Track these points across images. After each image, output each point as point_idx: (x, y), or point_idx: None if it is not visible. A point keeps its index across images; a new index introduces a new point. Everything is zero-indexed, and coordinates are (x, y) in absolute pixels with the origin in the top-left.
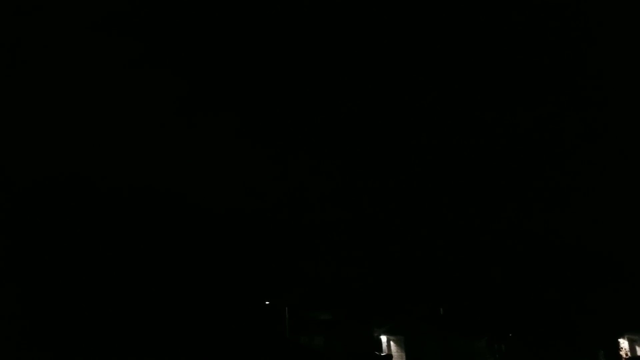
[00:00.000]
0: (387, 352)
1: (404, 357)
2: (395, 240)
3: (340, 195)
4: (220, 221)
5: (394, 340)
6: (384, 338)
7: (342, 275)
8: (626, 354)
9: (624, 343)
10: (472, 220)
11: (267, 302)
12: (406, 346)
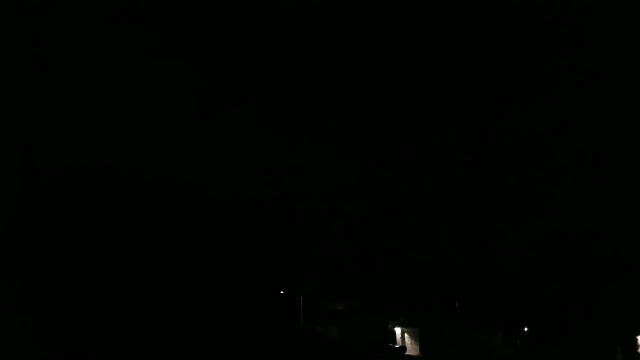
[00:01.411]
0: (401, 344)
1: (418, 349)
2: (412, 231)
3: (357, 186)
4: (237, 212)
5: (408, 333)
6: (398, 330)
7: (358, 266)
8: None
9: None
10: (490, 213)
11: (281, 292)
12: (420, 338)
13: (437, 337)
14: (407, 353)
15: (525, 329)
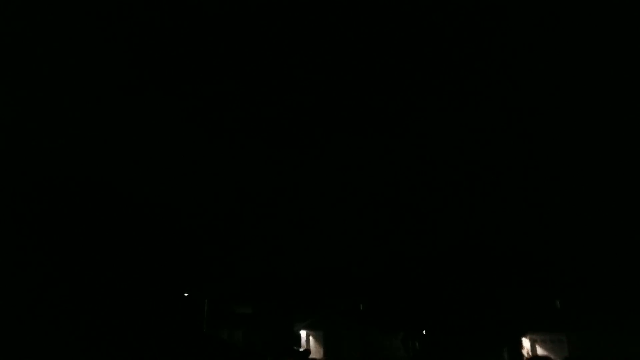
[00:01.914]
0: (305, 347)
1: (322, 352)
2: (317, 234)
3: (265, 188)
4: (139, 212)
5: (313, 336)
6: (303, 333)
7: (263, 267)
8: (527, 353)
9: (525, 342)
10: (394, 217)
11: (185, 294)
12: (325, 341)
13: (340, 339)
14: (311, 356)
15: (424, 332)
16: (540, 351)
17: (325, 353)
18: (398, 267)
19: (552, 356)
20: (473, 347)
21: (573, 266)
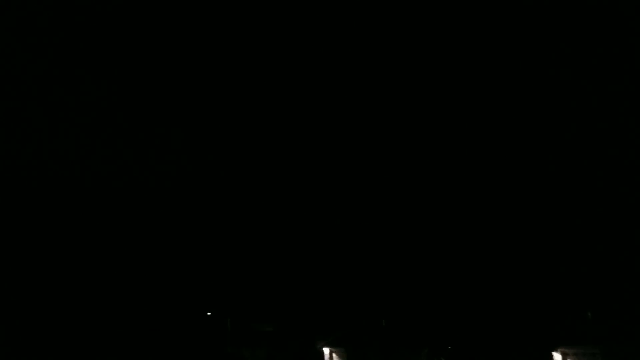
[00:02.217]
0: None
1: None
2: (338, 249)
3: (285, 206)
4: (162, 230)
5: (336, 352)
6: (326, 350)
7: (285, 285)
8: None
9: (557, 356)
10: (415, 233)
11: (208, 314)
12: (348, 358)
13: (364, 356)
14: None
15: (450, 348)
16: None
17: None
18: (422, 282)
19: None
20: None
21: (607, 275)
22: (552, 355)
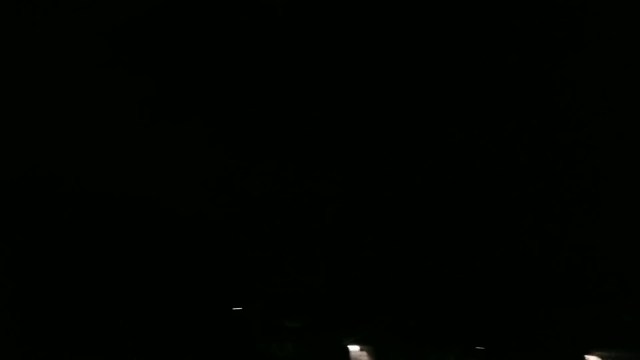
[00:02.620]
0: None
1: None
2: (367, 246)
3: (311, 200)
4: (192, 227)
5: (363, 350)
6: (354, 347)
7: (313, 281)
8: None
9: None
10: (449, 228)
11: (236, 309)
12: (376, 357)
13: (392, 355)
14: None
15: (481, 349)
16: None
17: None
18: (454, 280)
19: None
20: None
21: None
22: (586, 359)
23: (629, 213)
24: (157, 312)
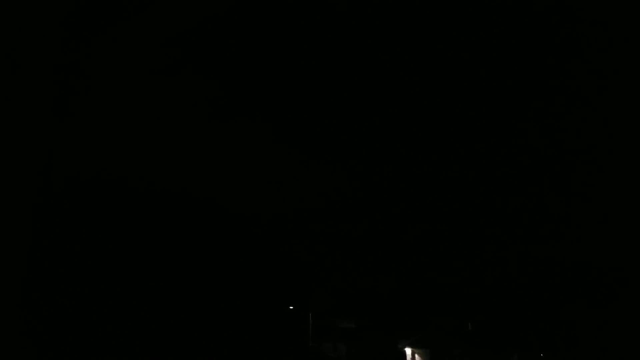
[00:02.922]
0: None
1: None
2: (425, 251)
3: (373, 204)
4: (250, 226)
5: (419, 354)
6: (408, 351)
7: (368, 283)
8: None
9: None
10: (504, 229)
11: (290, 308)
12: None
13: (448, 359)
14: None
15: (542, 355)
16: None
17: None
18: (512, 283)
19: None
20: None
21: None
22: None
23: None
24: (213, 308)
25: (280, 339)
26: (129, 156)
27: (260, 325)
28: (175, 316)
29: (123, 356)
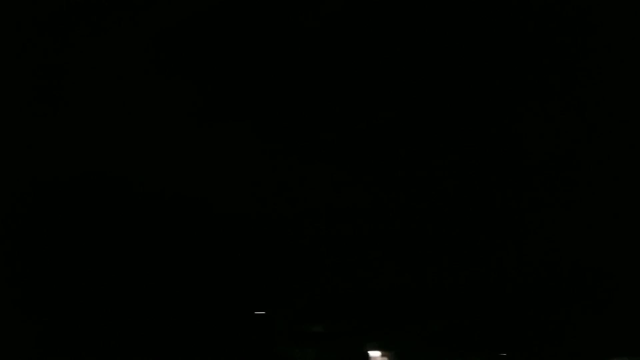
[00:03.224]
0: None
1: None
2: (390, 251)
3: (347, 206)
4: (219, 227)
5: (386, 356)
6: (375, 353)
7: (337, 286)
8: None
9: None
10: (477, 235)
11: (259, 312)
12: None
13: None
14: None
15: (504, 355)
16: None
17: None
18: (474, 286)
19: None
20: None
21: None
22: None
23: None
24: (179, 313)
25: (247, 344)
26: (114, 156)
27: (226, 330)
28: (145, 318)
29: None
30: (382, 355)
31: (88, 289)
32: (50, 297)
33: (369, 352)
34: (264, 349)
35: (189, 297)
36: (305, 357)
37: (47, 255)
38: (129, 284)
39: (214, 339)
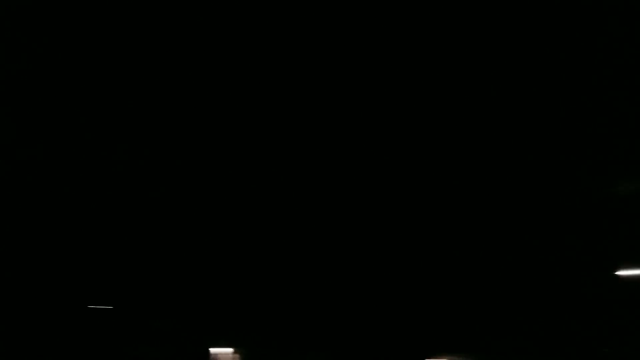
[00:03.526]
0: None
1: None
2: (246, 250)
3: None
4: (42, 212)
5: (230, 353)
6: (219, 349)
7: (186, 282)
8: None
9: None
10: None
11: (94, 306)
12: (246, 358)
13: (263, 357)
14: None
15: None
16: None
17: None
18: (329, 281)
19: None
20: None
21: None
22: None
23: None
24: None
25: (89, 341)
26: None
27: (67, 327)
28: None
29: None
30: (225, 352)
31: None
32: None
33: (211, 347)
34: (108, 346)
35: (31, 291)
36: (150, 355)
37: None
38: None
39: (57, 335)
